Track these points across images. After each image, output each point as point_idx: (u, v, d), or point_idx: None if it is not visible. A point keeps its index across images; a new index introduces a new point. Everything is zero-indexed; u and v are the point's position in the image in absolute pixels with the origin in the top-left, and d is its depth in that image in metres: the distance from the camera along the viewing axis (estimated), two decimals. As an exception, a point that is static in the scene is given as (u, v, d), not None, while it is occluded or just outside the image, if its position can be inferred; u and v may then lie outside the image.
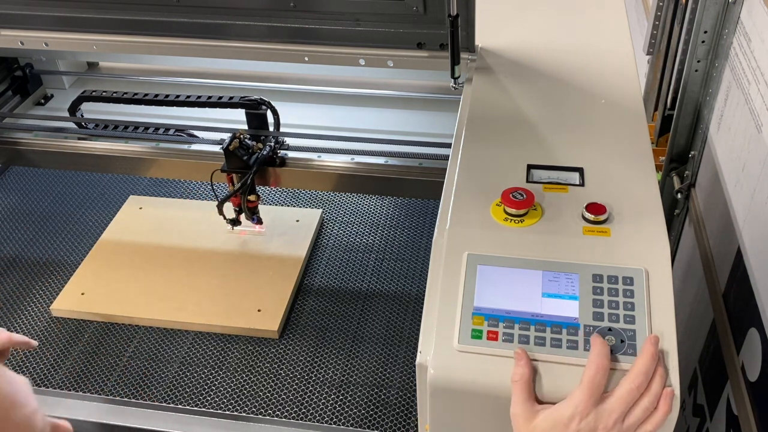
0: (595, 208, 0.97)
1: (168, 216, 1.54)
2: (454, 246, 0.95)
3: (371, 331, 1.38)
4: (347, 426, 1.22)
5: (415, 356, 0.89)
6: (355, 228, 1.62)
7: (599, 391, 0.81)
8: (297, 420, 1.23)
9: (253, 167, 1.47)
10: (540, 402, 0.83)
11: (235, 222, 1.56)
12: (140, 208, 1.67)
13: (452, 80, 1.30)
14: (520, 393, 0.82)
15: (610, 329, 0.86)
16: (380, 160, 1.53)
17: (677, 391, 0.82)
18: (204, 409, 1.25)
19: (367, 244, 1.58)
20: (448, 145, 1.15)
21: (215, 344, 1.37)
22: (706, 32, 1.53)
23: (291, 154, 1.55)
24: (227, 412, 1.25)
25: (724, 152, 1.51)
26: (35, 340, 1.39)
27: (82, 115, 1.74)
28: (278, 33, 1.38)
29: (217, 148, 1.52)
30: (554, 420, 0.80)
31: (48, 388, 1.31)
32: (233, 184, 1.49)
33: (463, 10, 1.25)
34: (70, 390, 1.31)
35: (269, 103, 1.57)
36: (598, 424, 0.79)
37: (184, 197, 1.73)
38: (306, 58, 1.41)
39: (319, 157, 1.54)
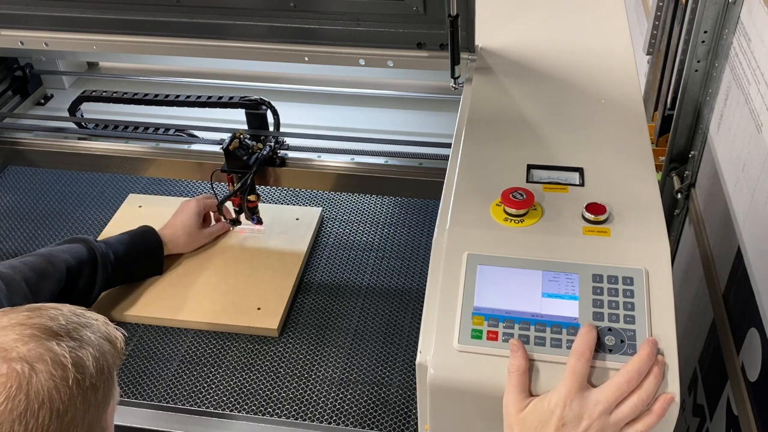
0: (595, 208, 0.97)
1: (167, 215, 1.54)
2: (454, 246, 0.95)
3: (371, 330, 1.38)
4: (347, 425, 1.22)
5: (415, 355, 0.89)
6: (355, 226, 1.62)
7: (582, 378, 0.81)
8: (296, 419, 1.23)
9: (253, 167, 1.47)
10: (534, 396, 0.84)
11: (235, 222, 1.57)
12: (140, 207, 1.67)
13: (452, 80, 1.30)
14: (515, 384, 0.83)
15: (610, 329, 0.86)
16: (380, 160, 1.53)
17: (677, 398, 0.82)
18: (203, 408, 1.25)
19: (367, 242, 1.58)
20: (448, 145, 1.15)
21: (215, 342, 1.37)
22: (706, 32, 1.54)
23: (291, 154, 1.55)
24: (227, 411, 1.25)
25: (724, 152, 1.51)
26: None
27: (82, 115, 1.74)
28: (278, 33, 1.38)
29: (217, 148, 1.52)
30: (542, 408, 0.81)
31: (48, 387, 1.30)
32: (233, 184, 1.49)
33: (463, 10, 1.25)
34: (69, 389, 1.30)
35: (269, 103, 1.57)
36: (583, 413, 0.80)
37: (184, 196, 1.73)
38: (306, 58, 1.41)
39: (319, 157, 1.54)
